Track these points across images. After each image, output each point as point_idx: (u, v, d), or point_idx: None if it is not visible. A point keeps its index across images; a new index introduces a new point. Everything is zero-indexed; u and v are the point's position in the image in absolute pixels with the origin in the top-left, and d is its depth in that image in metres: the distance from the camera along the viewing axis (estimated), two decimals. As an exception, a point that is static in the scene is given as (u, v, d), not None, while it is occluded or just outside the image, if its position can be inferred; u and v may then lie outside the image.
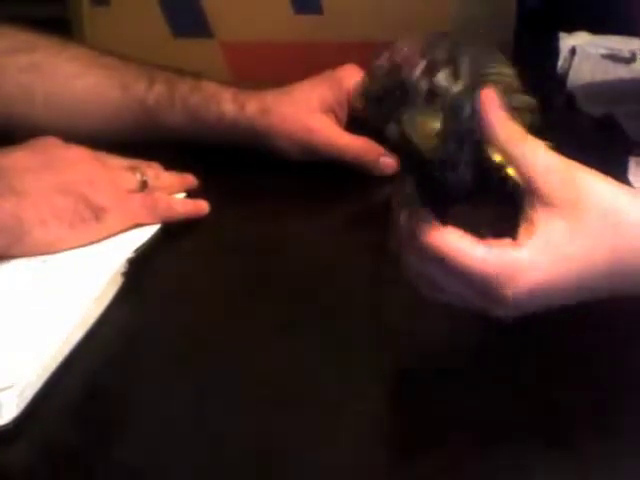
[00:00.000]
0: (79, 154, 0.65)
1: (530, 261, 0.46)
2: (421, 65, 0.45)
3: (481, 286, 0.46)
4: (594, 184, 0.47)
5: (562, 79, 0.97)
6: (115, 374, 0.52)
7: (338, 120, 0.77)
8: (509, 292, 0.46)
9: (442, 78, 0.44)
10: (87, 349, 0.52)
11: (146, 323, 0.56)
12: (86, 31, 0.91)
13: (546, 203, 0.46)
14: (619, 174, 0.62)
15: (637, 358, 0.53)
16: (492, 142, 0.46)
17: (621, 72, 0.98)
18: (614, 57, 1.01)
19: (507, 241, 0.46)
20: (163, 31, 0.91)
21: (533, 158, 0.46)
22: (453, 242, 0.46)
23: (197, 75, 0.79)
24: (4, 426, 0.46)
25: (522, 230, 0.46)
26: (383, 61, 0.46)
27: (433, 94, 0.44)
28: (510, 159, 0.46)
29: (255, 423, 0.48)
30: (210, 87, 0.78)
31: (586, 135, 0.83)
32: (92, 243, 0.61)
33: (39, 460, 0.46)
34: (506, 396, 0.50)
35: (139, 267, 0.60)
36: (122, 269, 0.59)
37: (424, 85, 0.44)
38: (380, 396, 0.50)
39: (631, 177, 0.73)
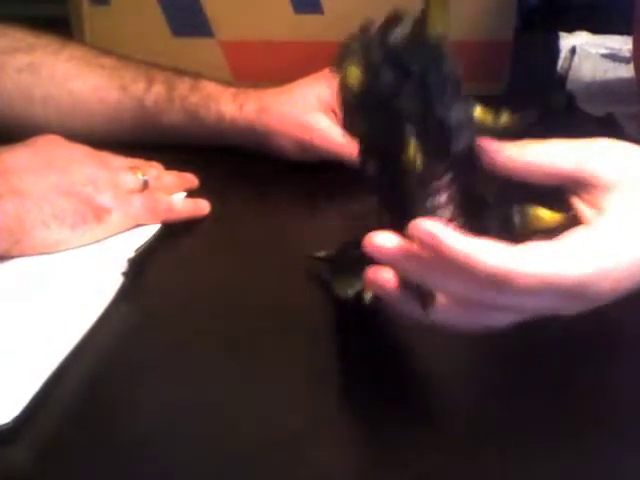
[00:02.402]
0: (81, 153, 0.65)
1: (618, 239, 0.41)
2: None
3: (573, 293, 0.41)
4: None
5: (562, 79, 0.97)
6: (115, 374, 0.52)
7: (337, 118, 0.76)
8: (606, 285, 0.41)
9: None
10: (87, 349, 0.52)
11: (146, 323, 0.56)
12: (86, 31, 0.91)
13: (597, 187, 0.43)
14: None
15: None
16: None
17: (621, 72, 0.98)
18: (614, 57, 1.01)
19: (577, 229, 0.42)
20: (163, 30, 0.91)
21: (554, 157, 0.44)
22: (520, 260, 0.40)
23: (196, 75, 0.79)
24: (4, 426, 0.46)
25: (585, 216, 0.43)
26: None
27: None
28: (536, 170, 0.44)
29: (256, 423, 0.48)
30: (209, 87, 0.78)
31: (586, 135, 0.83)
32: (93, 243, 0.62)
33: (39, 460, 0.46)
34: (506, 397, 0.50)
35: (139, 267, 0.60)
36: (122, 269, 0.59)
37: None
38: (378, 395, 0.50)
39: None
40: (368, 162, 0.46)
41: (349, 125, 0.45)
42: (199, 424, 0.48)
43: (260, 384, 0.50)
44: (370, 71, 0.43)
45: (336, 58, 0.45)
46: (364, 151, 0.46)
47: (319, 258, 0.59)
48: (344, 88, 0.44)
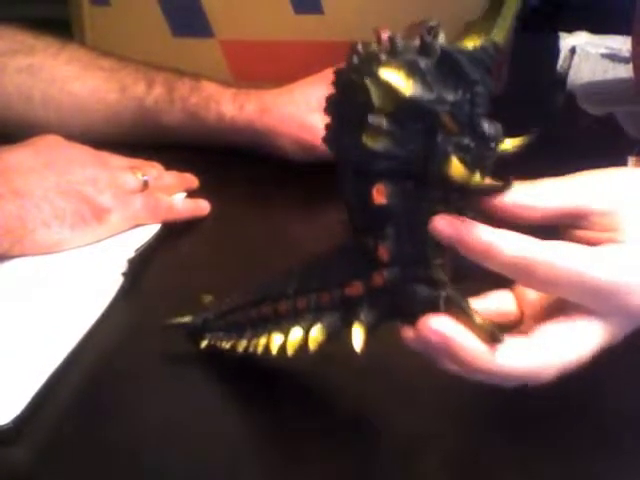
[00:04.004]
0: (81, 153, 0.65)
1: None
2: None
3: (608, 301, 0.39)
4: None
5: (562, 79, 0.97)
6: (115, 374, 0.52)
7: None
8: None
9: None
10: (87, 349, 0.52)
11: (146, 323, 0.56)
12: (86, 31, 0.92)
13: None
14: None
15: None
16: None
17: (621, 72, 0.98)
18: (614, 57, 1.01)
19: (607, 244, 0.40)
20: (163, 31, 0.91)
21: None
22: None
23: (196, 75, 0.79)
24: (4, 426, 0.46)
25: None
26: None
27: None
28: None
29: (255, 422, 0.48)
30: (209, 87, 0.78)
31: (586, 134, 0.83)
32: (93, 243, 0.62)
33: (40, 460, 0.46)
34: (505, 397, 0.50)
35: (139, 267, 0.60)
36: (122, 269, 0.59)
37: None
38: (378, 395, 0.50)
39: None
40: (388, 189, 0.40)
41: (372, 139, 0.40)
42: (198, 424, 0.48)
43: (260, 384, 0.51)
44: (418, 76, 0.37)
45: (356, 63, 0.39)
46: (384, 174, 0.40)
47: (181, 325, 0.53)
48: (384, 96, 0.38)
